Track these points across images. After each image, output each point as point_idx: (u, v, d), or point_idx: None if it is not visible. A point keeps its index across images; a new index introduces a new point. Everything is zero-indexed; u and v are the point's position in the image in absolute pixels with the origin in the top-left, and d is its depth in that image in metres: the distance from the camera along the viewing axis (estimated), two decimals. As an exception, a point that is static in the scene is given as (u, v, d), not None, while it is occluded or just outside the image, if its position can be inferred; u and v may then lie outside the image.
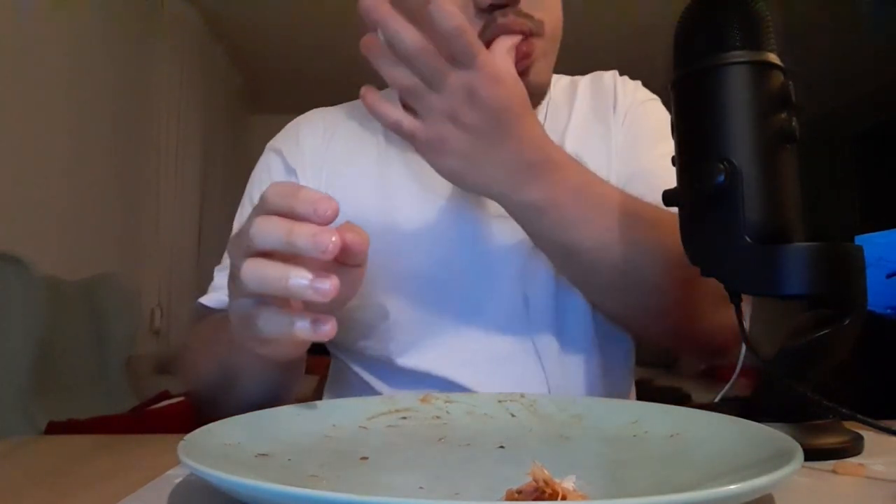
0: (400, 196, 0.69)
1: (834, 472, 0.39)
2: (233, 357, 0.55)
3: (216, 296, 0.69)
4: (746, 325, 0.48)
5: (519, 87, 0.52)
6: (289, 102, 4.32)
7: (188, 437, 0.36)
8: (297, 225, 0.39)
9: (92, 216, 2.54)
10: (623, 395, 0.74)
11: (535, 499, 0.28)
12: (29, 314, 1.77)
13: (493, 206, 0.63)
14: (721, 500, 0.26)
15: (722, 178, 0.45)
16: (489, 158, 0.52)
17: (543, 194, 0.53)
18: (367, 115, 0.76)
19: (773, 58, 0.46)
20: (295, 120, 0.78)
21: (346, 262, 0.44)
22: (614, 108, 0.74)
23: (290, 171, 0.73)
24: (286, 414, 0.46)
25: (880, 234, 3.47)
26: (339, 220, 0.76)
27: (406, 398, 0.51)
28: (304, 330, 0.41)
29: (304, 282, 0.39)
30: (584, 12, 3.40)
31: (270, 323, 0.42)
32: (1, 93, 2.01)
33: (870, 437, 0.45)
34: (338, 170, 0.72)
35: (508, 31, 0.57)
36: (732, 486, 0.26)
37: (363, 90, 0.52)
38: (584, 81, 0.78)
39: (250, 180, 0.76)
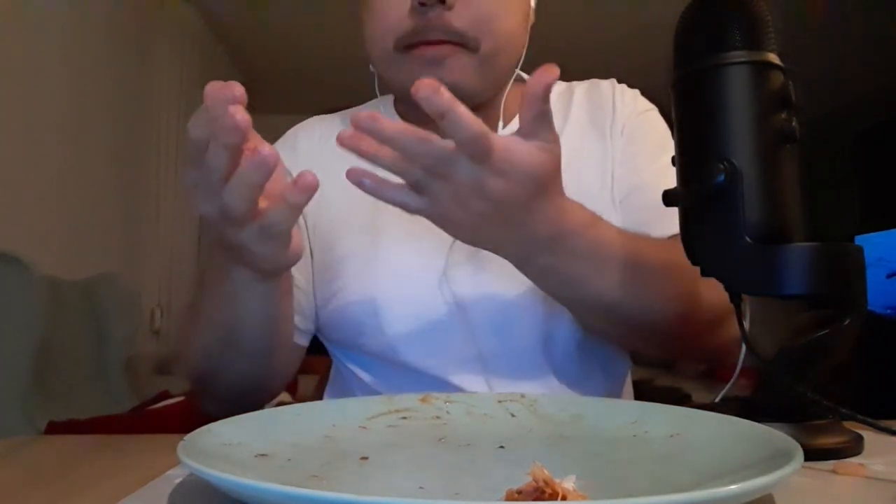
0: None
1: (834, 472, 0.39)
2: (227, 305, 0.56)
3: None
4: (746, 325, 0.48)
5: (529, 178, 0.48)
6: (289, 102, 4.33)
7: (188, 437, 0.36)
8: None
9: (92, 216, 2.54)
10: (619, 386, 0.75)
11: (535, 499, 0.28)
12: (29, 314, 1.77)
13: None
14: (721, 500, 0.26)
15: (722, 178, 0.45)
16: (499, 236, 0.52)
17: (554, 260, 0.53)
18: None
19: (773, 58, 0.46)
20: (294, 127, 0.81)
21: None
22: (612, 118, 0.74)
23: (288, 174, 0.73)
24: (286, 414, 0.46)
25: (880, 234, 3.47)
26: (335, 217, 0.75)
27: (406, 398, 0.51)
28: (260, 167, 0.42)
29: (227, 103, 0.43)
30: (584, 12, 3.40)
31: (234, 189, 0.43)
32: (1, 93, 2.01)
33: (870, 437, 0.45)
34: (331, 168, 0.72)
35: (427, 36, 0.61)
36: (732, 486, 0.26)
37: (352, 172, 0.49)
38: (580, 88, 0.78)
39: None
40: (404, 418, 0.48)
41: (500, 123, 0.72)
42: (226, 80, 0.47)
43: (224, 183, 0.44)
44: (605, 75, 0.81)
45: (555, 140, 0.48)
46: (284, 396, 2.32)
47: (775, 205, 0.46)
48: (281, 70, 4.21)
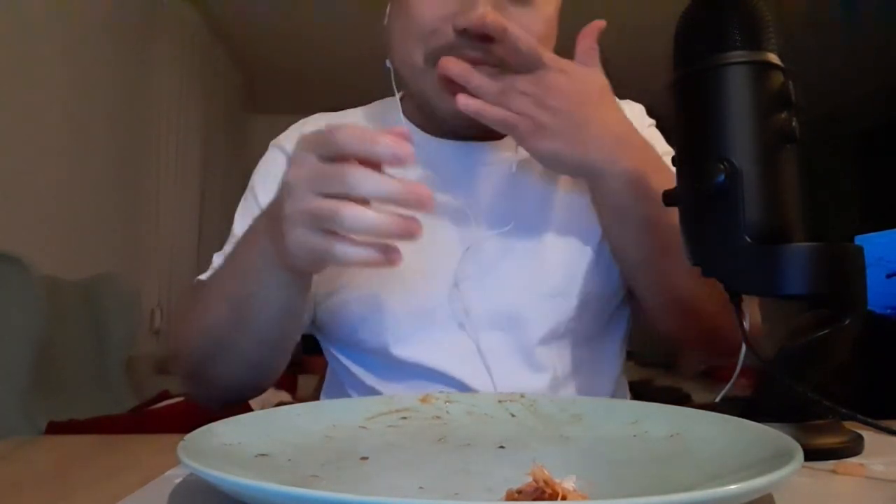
0: None
1: (834, 472, 0.39)
2: (250, 287, 0.56)
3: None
4: (747, 325, 0.48)
5: (589, 77, 0.61)
6: (289, 102, 4.32)
7: (188, 437, 0.36)
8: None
9: (92, 216, 2.54)
10: (614, 382, 0.75)
11: (535, 499, 0.28)
12: (29, 314, 1.77)
13: (480, 200, 0.68)
14: (721, 500, 0.26)
15: (722, 178, 0.45)
16: (581, 134, 0.59)
17: (633, 165, 0.59)
18: (367, 121, 0.78)
19: (773, 58, 0.46)
20: (300, 121, 0.80)
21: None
22: None
23: None
24: (286, 414, 0.46)
25: (880, 234, 3.47)
26: None
27: (406, 398, 0.51)
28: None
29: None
30: (584, 12, 3.40)
31: (358, 219, 0.44)
32: (1, 92, 2.01)
33: (870, 437, 0.45)
34: None
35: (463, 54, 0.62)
36: (732, 486, 0.26)
37: (462, 100, 0.59)
38: None
39: (254, 176, 0.77)
40: (404, 418, 0.48)
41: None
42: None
43: (351, 210, 0.44)
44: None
45: (597, 64, 0.62)
46: (284, 396, 2.32)
47: (775, 205, 0.46)
48: (281, 70, 4.21)
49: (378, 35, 0.72)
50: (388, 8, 0.70)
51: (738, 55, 0.45)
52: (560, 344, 0.69)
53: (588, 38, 0.62)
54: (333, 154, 0.45)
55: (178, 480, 0.38)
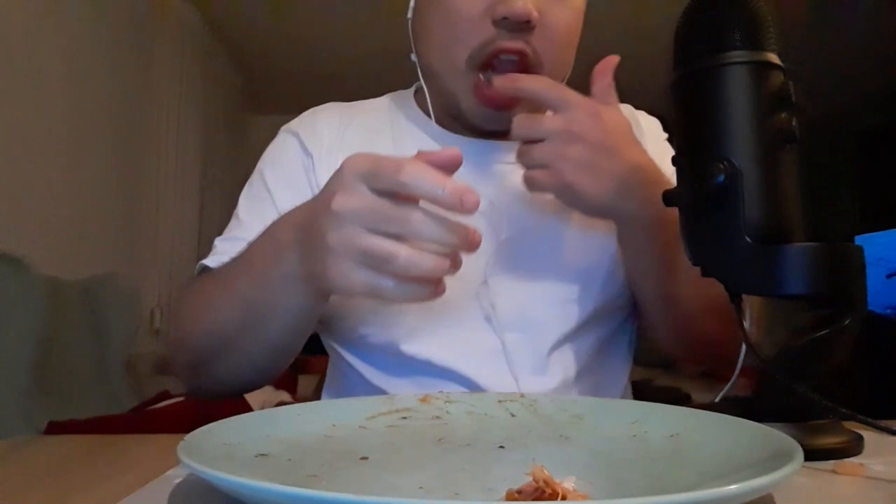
0: None
1: (834, 472, 0.39)
2: (262, 292, 0.55)
3: (218, 258, 0.68)
4: (747, 325, 0.48)
5: (613, 117, 0.61)
6: (289, 102, 4.30)
7: (188, 437, 0.36)
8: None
9: (92, 216, 2.54)
10: (618, 384, 0.75)
11: (535, 499, 0.28)
12: (29, 314, 1.77)
13: (497, 199, 0.68)
14: (721, 500, 0.26)
15: (722, 178, 0.45)
16: (608, 186, 0.58)
17: (655, 210, 0.57)
18: (379, 112, 0.77)
19: (773, 58, 0.46)
20: (312, 109, 0.79)
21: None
22: (641, 137, 0.75)
23: (308, 153, 0.73)
24: (286, 414, 0.46)
25: (880, 234, 3.47)
26: None
27: (406, 398, 0.51)
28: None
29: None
30: (584, 12, 3.40)
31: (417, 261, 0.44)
32: (1, 93, 2.01)
33: (870, 437, 0.45)
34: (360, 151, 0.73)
35: (505, 52, 0.63)
36: (732, 486, 0.26)
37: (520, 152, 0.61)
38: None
39: (262, 160, 0.76)
40: (404, 418, 0.48)
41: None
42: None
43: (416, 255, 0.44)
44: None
45: (616, 102, 0.62)
46: (284, 396, 2.32)
47: (775, 205, 0.46)
48: (281, 70, 4.21)
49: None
50: (412, 1, 0.70)
51: (738, 55, 0.45)
52: (571, 348, 0.69)
53: (604, 75, 0.62)
54: (392, 190, 0.44)
55: (178, 480, 0.38)
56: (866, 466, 0.40)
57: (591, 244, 0.70)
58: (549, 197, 0.69)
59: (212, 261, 0.69)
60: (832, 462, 0.41)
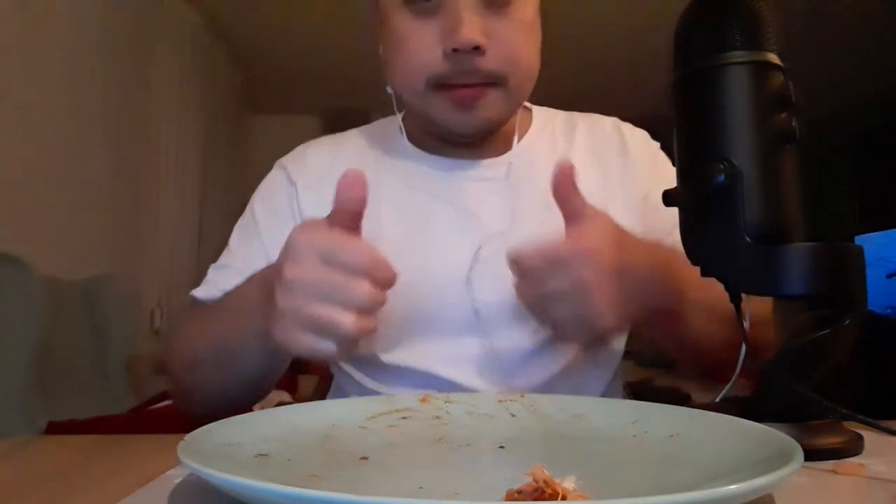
0: (387, 212, 0.72)
1: (834, 472, 0.39)
2: (233, 338, 0.60)
3: (208, 288, 0.72)
4: (746, 325, 0.48)
5: (599, 240, 0.54)
6: (289, 102, 4.32)
7: (188, 437, 0.36)
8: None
9: (92, 216, 2.54)
10: (611, 378, 0.76)
11: (535, 499, 0.28)
12: (29, 314, 1.77)
13: (476, 218, 0.71)
14: (721, 500, 0.26)
15: (722, 178, 0.45)
16: (618, 303, 0.54)
17: (678, 296, 0.59)
18: (362, 146, 0.81)
19: (773, 58, 0.46)
20: (303, 144, 0.83)
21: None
22: (625, 155, 0.78)
23: (292, 184, 0.77)
24: (286, 414, 0.46)
25: (880, 234, 3.47)
26: None
27: (406, 398, 0.51)
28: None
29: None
30: (584, 12, 3.40)
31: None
32: (1, 93, 2.01)
33: (870, 437, 0.45)
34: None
35: (461, 80, 0.65)
36: (732, 486, 0.26)
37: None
38: (582, 121, 0.82)
39: (254, 195, 0.80)
40: (404, 418, 0.48)
41: (515, 138, 0.76)
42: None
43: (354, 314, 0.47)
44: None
45: (590, 207, 0.55)
46: (284, 396, 2.32)
47: (775, 205, 0.46)
48: (281, 70, 4.21)
49: (377, 36, 0.73)
50: (383, 42, 0.73)
51: (738, 55, 0.45)
52: (550, 351, 0.70)
53: (567, 195, 0.55)
54: (336, 264, 0.47)
55: (178, 480, 0.38)
56: (866, 466, 0.40)
57: None
58: (530, 206, 0.71)
59: (202, 291, 0.73)
60: (832, 462, 0.41)
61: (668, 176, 0.75)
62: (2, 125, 2.01)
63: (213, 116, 3.72)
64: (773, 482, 0.28)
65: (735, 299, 0.47)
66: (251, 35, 3.77)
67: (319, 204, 0.73)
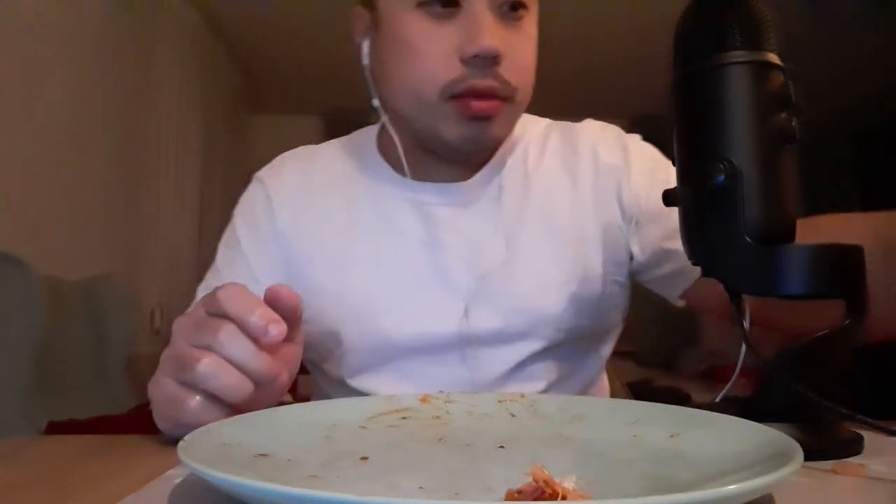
0: (359, 236, 0.73)
1: (834, 472, 0.39)
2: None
3: None
4: (746, 325, 0.48)
5: None
6: (289, 102, 4.32)
7: (188, 437, 0.36)
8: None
9: (92, 216, 2.54)
10: (583, 386, 0.76)
11: (535, 499, 0.28)
12: (29, 314, 1.77)
13: (446, 241, 0.71)
14: (721, 500, 0.26)
15: (722, 178, 0.45)
16: None
17: None
18: (344, 154, 0.80)
19: (773, 58, 0.46)
20: (282, 155, 0.82)
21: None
22: (595, 169, 0.75)
23: (269, 198, 0.77)
24: (286, 414, 0.46)
25: (880, 234, 3.46)
26: (309, 248, 0.76)
27: (406, 398, 0.51)
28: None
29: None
30: (584, 12, 3.40)
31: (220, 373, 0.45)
32: (1, 92, 2.01)
33: (870, 437, 0.45)
34: (313, 202, 0.76)
35: (478, 92, 0.63)
36: (732, 486, 0.26)
37: None
38: (556, 131, 0.79)
39: (236, 209, 0.80)
40: (404, 418, 0.48)
41: (510, 159, 0.76)
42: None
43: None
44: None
45: None
46: (285, 396, 2.32)
47: (775, 205, 0.46)
48: (281, 70, 4.21)
49: (360, 46, 0.72)
50: (366, 48, 0.71)
51: (738, 55, 0.45)
52: (538, 365, 0.71)
53: None
54: (216, 311, 0.46)
55: (178, 480, 0.38)
56: (866, 466, 0.40)
57: (576, 273, 0.71)
58: (523, 227, 0.71)
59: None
60: (832, 462, 0.41)
61: (652, 170, 0.74)
62: (2, 125, 2.01)
63: (213, 116, 3.72)
64: (773, 482, 0.27)
65: (735, 299, 0.47)
66: (251, 35, 3.77)
67: (294, 221, 0.75)
